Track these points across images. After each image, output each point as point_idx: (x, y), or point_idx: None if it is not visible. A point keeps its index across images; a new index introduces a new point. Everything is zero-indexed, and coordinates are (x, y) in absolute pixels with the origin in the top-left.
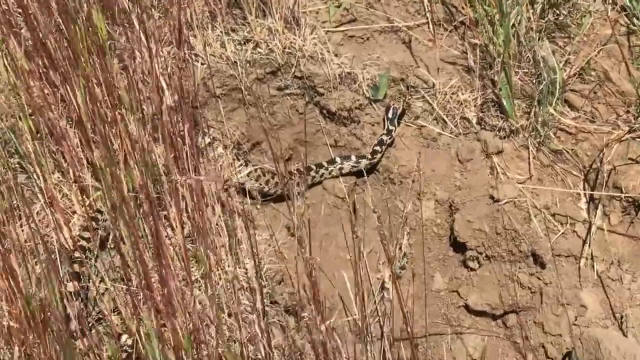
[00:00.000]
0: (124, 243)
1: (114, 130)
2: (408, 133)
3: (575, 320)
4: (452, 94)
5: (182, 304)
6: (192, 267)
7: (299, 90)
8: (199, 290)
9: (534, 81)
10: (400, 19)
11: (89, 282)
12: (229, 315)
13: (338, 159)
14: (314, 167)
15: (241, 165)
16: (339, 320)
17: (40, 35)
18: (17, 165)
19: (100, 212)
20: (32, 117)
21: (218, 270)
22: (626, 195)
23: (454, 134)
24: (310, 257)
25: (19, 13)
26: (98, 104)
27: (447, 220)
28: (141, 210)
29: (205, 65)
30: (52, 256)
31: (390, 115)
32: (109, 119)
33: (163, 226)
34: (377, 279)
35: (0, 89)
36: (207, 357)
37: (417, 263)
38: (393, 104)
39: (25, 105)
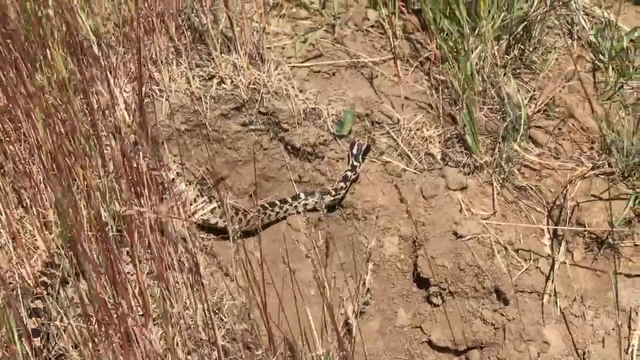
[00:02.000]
0: (84, 279)
1: (75, 167)
2: (373, 169)
3: (538, 356)
4: (417, 129)
5: (141, 342)
6: (153, 304)
7: (264, 126)
8: (160, 327)
9: (499, 117)
10: (366, 54)
11: (49, 318)
12: (189, 352)
13: (302, 195)
14: (277, 203)
15: (205, 201)
16: (302, 357)
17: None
18: None
19: (64, 247)
20: None
21: (178, 306)
22: (589, 231)
23: (419, 169)
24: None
25: None
26: (60, 141)
27: (410, 256)
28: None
29: (169, 101)
30: (14, 292)
31: (354, 151)
32: (71, 155)
33: (122, 262)
34: (341, 314)
35: None
36: None
37: (380, 299)
38: (358, 140)
39: None
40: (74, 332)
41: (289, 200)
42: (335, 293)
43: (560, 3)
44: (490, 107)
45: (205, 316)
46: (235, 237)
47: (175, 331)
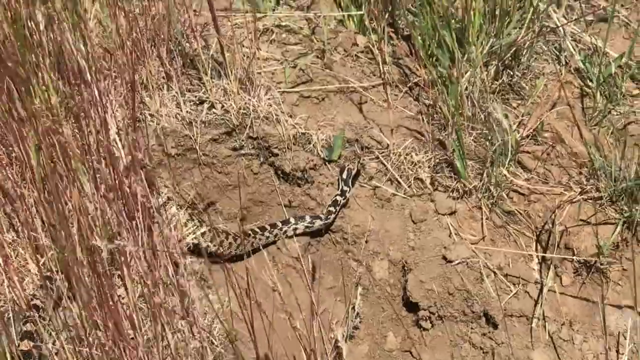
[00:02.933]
0: (75, 302)
1: (67, 191)
2: (362, 194)
3: None
4: (406, 154)
5: None
6: (145, 327)
7: (254, 150)
8: (152, 350)
9: (488, 142)
10: (356, 79)
11: (42, 341)
12: None
13: (292, 219)
14: (268, 227)
15: (195, 225)
16: None
17: None
18: None
19: (56, 270)
20: None
21: (170, 330)
22: (578, 256)
23: (408, 194)
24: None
25: None
26: (51, 165)
27: (400, 280)
28: (93, 270)
29: (160, 125)
30: (6, 315)
31: (344, 176)
32: (63, 180)
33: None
34: (331, 338)
35: None
36: None
37: (370, 323)
38: (348, 165)
39: None
40: (66, 355)
41: (279, 224)
42: (325, 317)
43: (549, 29)
44: (479, 132)
45: (196, 340)
46: (225, 261)
47: (166, 354)
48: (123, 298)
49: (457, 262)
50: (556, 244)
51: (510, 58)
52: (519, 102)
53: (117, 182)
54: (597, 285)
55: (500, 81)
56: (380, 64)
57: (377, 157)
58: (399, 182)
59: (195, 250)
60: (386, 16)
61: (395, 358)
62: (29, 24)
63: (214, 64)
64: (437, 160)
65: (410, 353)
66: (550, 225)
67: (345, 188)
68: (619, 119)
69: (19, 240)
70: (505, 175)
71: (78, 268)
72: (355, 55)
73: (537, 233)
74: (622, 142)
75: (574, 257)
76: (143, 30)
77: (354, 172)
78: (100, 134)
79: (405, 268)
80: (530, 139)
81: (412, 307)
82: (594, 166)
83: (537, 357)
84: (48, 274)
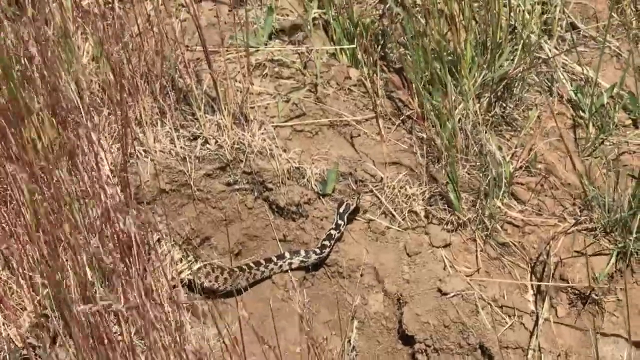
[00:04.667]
0: (72, 340)
1: (62, 229)
2: (356, 227)
3: None
4: (400, 187)
5: None
6: None
7: (248, 185)
8: None
9: (481, 174)
10: (349, 113)
11: None
12: None
13: (287, 254)
14: (263, 262)
15: (190, 261)
16: None
17: None
18: None
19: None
20: None
21: None
22: (572, 287)
23: (402, 227)
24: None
25: None
26: (45, 203)
27: (395, 313)
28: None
29: (154, 161)
30: (1, 353)
31: (341, 211)
32: (57, 217)
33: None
34: None
35: None
36: None
37: (366, 356)
38: (346, 201)
39: None
40: None
41: (274, 259)
42: (321, 350)
43: (540, 61)
44: (473, 164)
45: None
46: (221, 297)
47: None
48: (119, 335)
49: (452, 294)
50: (551, 275)
51: (502, 90)
52: (512, 133)
53: (110, 220)
54: (593, 316)
55: (493, 113)
56: (373, 97)
57: (371, 191)
58: (393, 215)
59: (191, 286)
60: (378, 49)
61: None
62: (22, 61)
63: (207, 99)
64: (431, 193)
65: None
66: (545, 257)
67: (339, 222)
68: (612, 149)
69: (14, 278)
70: (499, 207)
71: (73, 306)
72: (348, 88)
73: (532, 264)
74: (615, 172)
75: (569, 288)
76: (136, 67)
77: (352, 207)
78: (94, 171)
79: (401, 301)
80: (524, 171)
81: (407, 340)
82: (587, 197)
83: None
84: (44, 311)
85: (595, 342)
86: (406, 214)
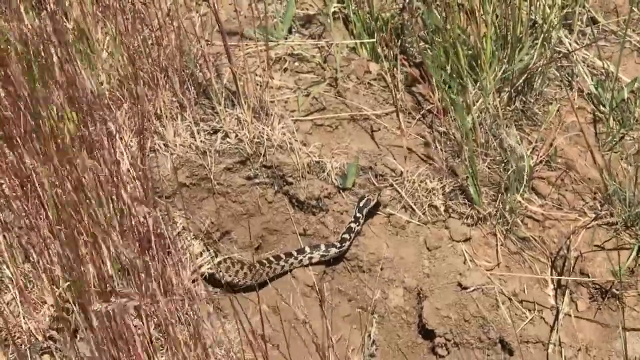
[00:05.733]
0: (92, 334)
1: (82, 223)
2: (376, 221)
3: None
4: (420, 182)
5: None
6: (162, 357)
7: (268, 179)
8: None
9: (501, 169)
10: (369, 107)
11: None
12: None
13: (307, 248)
14: (283, 257)
15: (211, 255)
16: None
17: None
18: None
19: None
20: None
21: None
22: (593, 281)
23: (422, 221)
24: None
25: None
26: (66, 197)
27: (415, 307)
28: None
29: (174, 155)
30: (22, 347)
31: (361, 205)
32: (78, 211)
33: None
34: None
35: None
36: None
37: (386, 350)
38: (367, 196)
39: None
40: None
41: (294, 253)
42: (341, 345)
43: (561, 55)
44: (493, 158)
45: None
46: (241, 291)
47: None
48: (139, 329)
49: (472, 288)
50: (571, 270)
51: (522, 84)
52: (532, 128)
53: (130, 213)
54: (613, 311)
55: (513, 107)
56: (393, 91)
57: (391, 185)
58: (413, 209)
59: (211, 280)
60: (398, 43)
61: None
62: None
63: (227, 94)
64: (451, 187)
65: None
66: (565, 251)
67: (358, 215)
68: (632, 143)
69: (35, 272)
70: (519, 202)
71: (92, 301)
72: (368, 82)
73: (552, 259)
74: (636, 166)
75: (590, 283)
76: (156, 61)
77: (373, 202)
78: (114, 165)
79: (421, 295)
80: (544, 165)
81: (427, 334)
82: (608, 191)
83: None
84: (64, 305)
85: (624, 337)
86: (426, 208)
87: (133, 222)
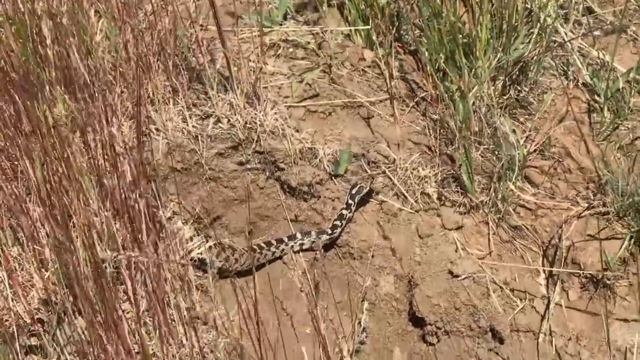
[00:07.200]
0: (81, 317)
1: (73, 205)
2: (368, 208)
3: None
4: (413, 169)
5: None
6: (150, 341)
7: (260, 165)
8: None
9: (495, 157)
10: (363, 94)
11: (46, 355)
12: None
13: (299, 235)
14: (274, 242)
15: (201, 240)
16: None
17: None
18: None
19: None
20: None
21: (174, 345)
22: (584, 271)
23: (415, 209)
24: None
25: None
26: (56, 179)
27: (406, 295)
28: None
29: (166, 140)
30: (10, 329)
31: (353, 192)
32: (68, 193)
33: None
34: (336, 353)
35: None
36: None
37: (376, 338)
38: (360, 183)
39: None
40: None
41: (285, 239)
42: (330, 332)
43: (556, 44)
44: (486, 147)
45: (201, 354)
46: (231, 276)
47: None
48: (128, 312)
49: (463, 277)
50: (563, 259)
51: (517, 73)
52: (526, 117)
53: (122, 196)
54: (604, 300)
55: (508, 96)
56: (387, 78)
57: (384, 172)
58: (405, 197)
59: (201, 266)
60: (393, 31)
61: None
62: (35, 37)
63: (220, 79)
64: (444, 175)
65: None
66: (557, 240)
67: (350, 201)
68: (627, 133)
69: (24, 255)
70: (512, 190)
71: (83, 282)
72: (362, 69)
73: (544, 248)
74: (630, 157)
75: (581, 272)
76: (149, 45)
77: (365, 190)
78: (106, 148)
79: (412, 283)
80: (538, 154)
81: (418, 322)
82: (601, 181)
83: None
84: (53, 287)
85: (606, 324)
86: (419, 196)
87: (125, 205)
